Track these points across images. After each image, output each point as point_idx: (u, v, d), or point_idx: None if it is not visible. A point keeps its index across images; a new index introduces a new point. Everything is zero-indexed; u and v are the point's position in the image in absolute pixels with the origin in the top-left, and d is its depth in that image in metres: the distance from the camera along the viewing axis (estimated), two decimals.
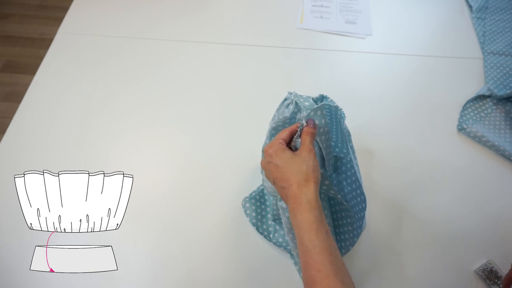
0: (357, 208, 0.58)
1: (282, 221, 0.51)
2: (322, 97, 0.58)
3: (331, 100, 0.58)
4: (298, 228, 0.44)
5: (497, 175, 0.74)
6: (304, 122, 0.49)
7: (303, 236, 0.43)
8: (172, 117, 0.81)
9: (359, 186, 0.58)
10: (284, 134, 0.50)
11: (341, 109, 0.57)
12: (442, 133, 0.80)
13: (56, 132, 0.78)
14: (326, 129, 0.50)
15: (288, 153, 0.47)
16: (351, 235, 0.59)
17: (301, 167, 0.46)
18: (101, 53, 0.92)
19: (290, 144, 0.50)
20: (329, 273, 0.41)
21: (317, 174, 0.46)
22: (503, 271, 0.61)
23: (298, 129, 0.49)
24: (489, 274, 0.61)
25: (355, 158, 0.64)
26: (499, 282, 0.60)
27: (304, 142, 0.48)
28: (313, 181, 0.45)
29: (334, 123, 0.55)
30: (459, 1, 1.05)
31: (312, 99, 0.57)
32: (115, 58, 0.91)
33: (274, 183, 0.49)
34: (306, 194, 0.44)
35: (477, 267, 0.62)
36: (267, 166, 0.49)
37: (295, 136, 0.50)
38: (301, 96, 0.56)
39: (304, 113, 0.51)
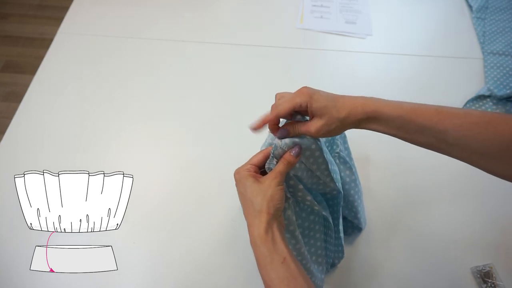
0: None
1: None
2: None
3: None
4: (256, 261, 0.43)
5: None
6: (277, 144, 0.46)
7: (260, 271, 0.43)
8: (172, 117, 0.81)
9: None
10: (256, 158, 0.48)
11: None
12: None
13: (56, 132, 0.78)
14: (313, 146, 0.48)
15: (250, 180, 0.46)
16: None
17: (256, 198, 0.44)
18: (101, 53, 0.92)
19: (265, 167, 0.49)
20: None
21: (275, 203, 0.44)
22: (501, 277, 0.61)
23: (271, 153, 0.47)
24: (484, 275, 0.61)
25: (352, 159, 0.64)
26: (492, 286, 0.60)
27: (275, 168, 0.46)
28: (266, 212, 0.44)
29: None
30: (459, 1, 1.05)
31: None
32: (115, 58, 0.91)
33: None
34: (258, 227, 0.43)
35: (474, 265, 0.63)
36: (237, 190, 0.48)
37: (268, 159, 0.48)
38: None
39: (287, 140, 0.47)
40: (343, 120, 0.45)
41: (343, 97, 0.47)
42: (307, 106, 0.45)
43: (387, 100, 0.46)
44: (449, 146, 0.43)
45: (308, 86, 0.47)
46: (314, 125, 0.45)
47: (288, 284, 0.41)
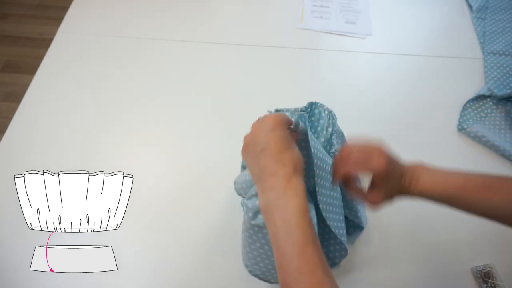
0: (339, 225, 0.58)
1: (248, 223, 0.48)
2: (312, 104, 0.57)
3: (321, 104, 0.57)
4: (287, 218, 0.38)
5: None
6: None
7: (296, 227, 0.37)
8: (172, 117, 0.81)
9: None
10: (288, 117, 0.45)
11: (331, 111, 0.57)
12: (442, 133, 0.80)
13: (56, 132, 0.78)
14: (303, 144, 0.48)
15: (288, 132, 0.43)
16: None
17: (297, 154, 0.42)
18: (101, 53, 0.92)
19: None
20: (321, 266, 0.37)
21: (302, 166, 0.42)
22: (501, 277, 0.61)
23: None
24: (484, 275, 0.61)
25: None
26: (492, 286, 0.60)
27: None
28: (300, 174, 0.41)
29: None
30: (459, 1, 1.05)
31: (301, 109, 0.56)
32: (115, 58, 0.91)
33: (260, 157, 0.41)
34: (299, 182, 0.40)
35: (474, 265, 0.63)
36: (266, 136, 0.41)
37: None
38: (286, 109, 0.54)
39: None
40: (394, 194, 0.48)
41: (404, 175, 0.48)
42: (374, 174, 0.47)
43: (435, 172, 0.48)
44: (500, 218, 0.45)
45: (385, 150, 0.47)
46: (374, 198, 0.48)
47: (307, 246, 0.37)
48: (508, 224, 0.45)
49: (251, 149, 0.43)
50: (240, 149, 0.47)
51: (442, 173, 0.47)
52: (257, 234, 0.50)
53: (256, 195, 0.48)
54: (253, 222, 0.49)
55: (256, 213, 0.48)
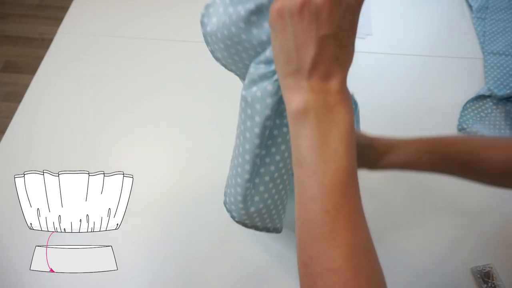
0: None
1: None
2: None
3: None
4: (335, 137, 0.29)
5: None
6: None
7: (344, 152, 0.29)
8: (172, 117, 0.81)
9: None
10: None
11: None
12: (442, 133, 0.79)
13: (56, 132, 0.78)
14: None
15: None
16: None
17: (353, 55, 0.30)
18: (101, 53, 0.92)
19: None
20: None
21: None
22: (501, 277, 0.61)
23: None
24: (484, 275, 0.61)
25: None
26: (492, 286, 0.60)
27: None
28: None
29: None
30: (459, 1, 1.05)
31: None
32: (115, 58, 0.91)
33: (318, 41, 0.27)
34: (349, 93, 0.31)
35: (474, 265, 0.63)
36: (342, 17, 0.26)
37: None
38: None
39: None
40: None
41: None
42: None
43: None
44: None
45: None
46: None
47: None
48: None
49: (306, 26, 0.27)
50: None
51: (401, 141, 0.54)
52: (241, 114, 0.40)
53: (266, 62, 0.36)
54: (243, 92, 0.39)
55: (252, 82, 0.38)
